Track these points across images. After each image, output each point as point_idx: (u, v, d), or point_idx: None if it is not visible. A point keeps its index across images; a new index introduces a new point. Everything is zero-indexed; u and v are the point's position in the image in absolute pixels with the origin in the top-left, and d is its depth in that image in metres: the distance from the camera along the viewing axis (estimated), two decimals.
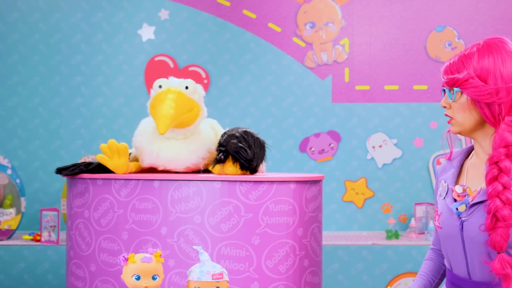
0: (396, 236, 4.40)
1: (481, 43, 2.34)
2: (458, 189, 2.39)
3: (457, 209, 2.36)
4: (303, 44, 4.80)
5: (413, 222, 4.51)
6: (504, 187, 2.26)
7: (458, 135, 2.46)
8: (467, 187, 2.39)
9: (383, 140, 4.78)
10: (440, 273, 2.62)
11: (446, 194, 2.43)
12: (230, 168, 3.20)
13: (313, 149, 4.79)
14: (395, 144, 4.78)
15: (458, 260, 2.40)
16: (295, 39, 4.80)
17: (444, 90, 2.37)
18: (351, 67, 4.78)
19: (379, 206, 4.76)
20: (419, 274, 2.61)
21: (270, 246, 3.12)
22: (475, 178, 2.41)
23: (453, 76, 2.32)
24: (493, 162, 2.28)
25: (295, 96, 4.80)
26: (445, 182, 2.45)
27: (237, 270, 3.08)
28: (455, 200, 2.39)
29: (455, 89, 2.33)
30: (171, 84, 3.25)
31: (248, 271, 3.09)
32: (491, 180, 2.27)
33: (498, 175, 2.26)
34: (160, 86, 3.24)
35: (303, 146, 4.79)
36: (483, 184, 2.36)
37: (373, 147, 4.78)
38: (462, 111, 2.34)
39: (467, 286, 2.37)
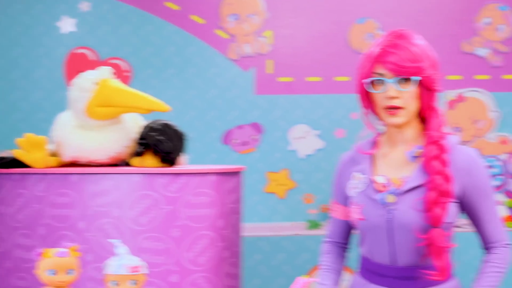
0: (317, 226, 4.45)
1: (407, 33, 2.40)
2: (381, 179, 2.43)
3: (383, 199, 2.40)
4: (226, 36, 4.81)
5: None
6: (444, 165, 2.35)
7: (376, 126, 2.50)
8: (389, 177, 2.43)
9: (306, 131, 4.83)
10: (342, 264, 2.67)
11: (365, 185, 2.46)
12: (150, 160, 3.19)
13: (235, 141, 4.80)
14: (318, 135, 4.83)
15: (382, 249, 2.44)
16: (218, 31, 4.81)
17: (382, 80, 2.37)
18: (274, 59, 4.81)
19: (301, 197, 4.80)
20: (326, 269, 2.63)
21: (190, 238, 3.13)
22: (391, 168, 2.46)
23: (415, 65, 2.35)
24: (433, 141, 2.37)
25: (218, 88, 4.81)
26: (362, 175, 2.48)
27: (157, 263, 3.07)
28: (378, 191, 2.43)
29: (413, 78, 2.35)
30: (101, 74, 3.21)
31: (168, 263, 3.10)
32: (432, 158, 2.36)
33: (439, 153, 2.36)
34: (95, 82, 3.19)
35: (226, 138, 4.81)
36: (406, 172, 2.42)
37: (295, 138, 4.82)
38: (412, 101, 2.38)
39: (390, 272, 2.43)
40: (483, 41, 4.86)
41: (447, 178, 2.35)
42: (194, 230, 3.13)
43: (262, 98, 4.82)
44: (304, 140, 4.82)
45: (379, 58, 2.37)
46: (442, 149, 2.37)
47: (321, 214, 4.77)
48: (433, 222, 2.34)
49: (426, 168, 2.37)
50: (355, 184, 2.49)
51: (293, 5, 4.84)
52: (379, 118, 2.45)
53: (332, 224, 2.68)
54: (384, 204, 2.40)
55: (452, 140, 2.43)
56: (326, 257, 2.66)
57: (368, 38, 4.82)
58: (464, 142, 4.82)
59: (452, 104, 4.85)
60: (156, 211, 3.09)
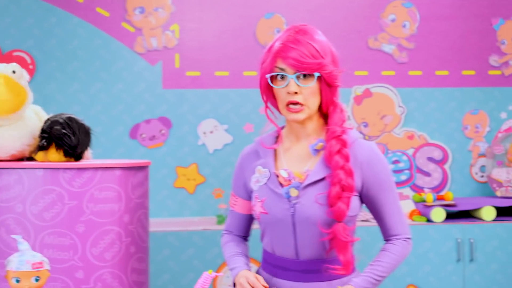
0: None
1: (309, 29, 2.43)
2: (284, 173, 2.45)
3: (287, 193, 2.41)
4: (132, 30, 4.75)
5: None
6: (345, 160, 2.39)
7: (278, 120, 2.52)
8: (291, 171, 2.45)
9: (214, 125, 4.81)
10: (246, 249, 2.68)
11: (268, 179, 2.48)
12: (54, 155, 3.13)
13: (143, 135, 4.76)
14: (226, 130, 4.82)
15: (285, 243, 2.46)
16: (124, 24, 4.74)
17: (284, 75, 2.38)
18: (181, 53, 4.78)
19: (210, 191, 4.79)
20: (232, 254, 2.63)
21: (95, 233, 3.08)
22: (293, 161, 2.49)
23: (315, 61, 2.36)
24: (334, 136, 2.41)
25: (124, 82, 4.75)
26: (263, 168, 2.50)
27: (62, 258, 3.01)
28: (282, 185, 2.44)
29: (315, 74, 2.37)
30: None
31: (72, 259, 3.04)
32: (334, 153, 2.39)
33: (340, 148, 2.39)
34: None
35: (134, 132, 4.75)
36: (308, 166, 2.45)
37: (204, 133, 4.81)
38: (313, 96, 2.40)
39: (294, 266, 2.45)
40: (389, 38, 4.94)
41: (348, 173, 2.38)
42: (99, 225, 3.08)
43: (170, 92, 4.78)
44: (213, 135, 4.81)
45: (280, 53, 2.38)
46: (343, 143, 2.41)
47: None
48: (336, 217, 2.37)
49: (329, 163, 2.40)
50: (257, 178, 2.51)
51: None
52: (281, 113, 2.48)
53: (231, 217, 2.70)
54: (288, 198, 2.42)
55: (352, 134, 2.47)
56: (228, 246, 2.66)
57: (275, 33, 4.84)
58: (371, 137, 4.89)
59: (359, 99, 4.91)
60: (60, 206, 3.02)
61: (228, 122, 4.82)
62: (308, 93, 2.40)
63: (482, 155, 5.00)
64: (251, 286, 2.41)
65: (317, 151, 2.46)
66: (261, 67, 2.47)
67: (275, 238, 2.49)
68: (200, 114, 4.80)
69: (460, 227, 4.39)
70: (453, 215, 4.65)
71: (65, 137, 3.11)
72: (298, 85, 2.38)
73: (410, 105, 4.91)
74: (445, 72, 4.98)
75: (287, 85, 2.38)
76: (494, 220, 4.47)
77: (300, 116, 2.41)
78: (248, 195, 2.59)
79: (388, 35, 4.94)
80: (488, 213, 4.45)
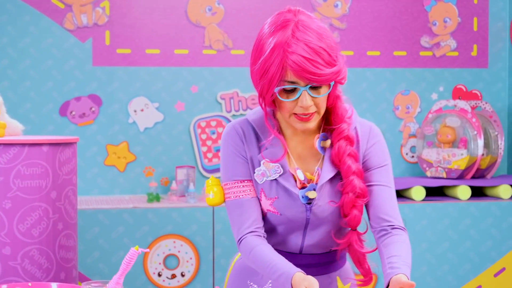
0: (157, 198, 4.43)
1: (308, 20, 2.18)
2: (301, 175, 2.28)
3: (305, 196, 2.27)
4: (62, 6, 4.67)
5: (174, 185, 4.56)
6: (355, 159, 2.26)
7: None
8: (303, 171, 2.31)
9: (145, 104, 4.78)
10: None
11: (281, 176, 2.28)
12: None
13: (73, 113, 4.70)
14: (157, 108, 4.79)
15: (291, 241, 2.35)
16: (53, 0, 4.66)
17: (294, 88, 2.15)
18: (111, 30, 4.73)
19: (141, 170, 4.76)
20: (272, 257, 2.26)
21: (22, 210, 3.04)
22: (302, 159, 2.33)
23: (332, 71, 2.15)
24: (343, 137, 2.26)
25: (54, 59, 4.68)
26: (272, 162, 2.28)
27: None
28: (297, 186, 2.29)
29: (331, 83, 2.20)
30: None
31: None
32: (347, 156, 2.24)
33: (346, 147, 2.25)
34: None
35: (63, 110, 4.69)
36: (316, 164, 2.31)
37: (135, 111, 4.77)
38: (323, 103, 2.23)
39: (294, 260, 2.30)
40: (320, 17, 4.96)
41: (360, 174, 2.26)
42: (26, 201, 3.05)
43: (100, 69, 4.73)
44: (144, 113, 4.77)
45: (291, 67, 2.12)
46: (351, 142, 2.27)
47: (161, 187, 4.75)
48: (351, 225, 2.28)
49: (338, 166, 2.26)
50: (264, 171, 2.30)
51: None
52: (285, 119, 2.27)
53: (246, 209, 2.31)
54: (305, 201, 2.28)
55: (354, 119, 2.33)
56: (262, 247, 2.27)
57: (207, 12, 4.82)
58: None
59: None
60: None
61: (159, 100, 4.79)
62: (320, 102, 2.20)
63: (412, 135, 5.07)
64: None
65: (323, 148, 2.32)
66: (262, 74, 2.18)
67: (281, 236, 2.35)
68: (130, 92, 4.76)
69: None
70: None
71: None
72: (312, 96, 2.17)
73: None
74: (377, 53, 5.03)
75: (298, 98, 2.16)
76: (423, 200, 4.54)
77: (311, 124, 2.21)
78: (251, 175, 2.35)
79: (319, 15, 4.96)
80: (417, 193, 4.52)
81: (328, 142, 2.29)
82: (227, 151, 2.33)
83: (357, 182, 2.24)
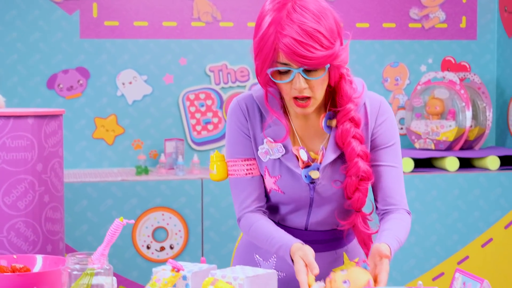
0: (146, 171, 4.43)
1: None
2: (304, 156, 2.26)
3: (308, 175, 2.26)
4: None
5: (163, 157, 4.56)
6: (360, 141, 2.23)
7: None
8: (307, 150, 2.28)
9: (133, 76, 4.76)
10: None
11: (283, 155, 2.26)
12: None
13: (61, 86, 4.68)
14: (145, 81, 4.78)
15: (298, 218, 2.34)
16: None
17: (288, 69, 2.11)
18: (99, 2, 4.70)
19: (129, 142, 4.76)
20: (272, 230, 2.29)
21: (8, 182, 3.05)
22: (306, 138, 2.30)
23: (327, 53, 2.08)
24: (349, 118, 2.22)
25: (41, 31, 4.65)
26: (274, 142, 2.26)
27: None
28: (301, 166, 2.27)
29: (326, 66, 2.13)
30: None
31: None
32: (351, 137, 2.21)
33: (351, 129, 2.21)
34: None
35: (51, 83, 4.67)
36: (321, 143, 2.28)
37: (123, 84, 4.75)
38: (321, 84, 2.16)
39: (301, 236, 2.29)
40: None
41: (365, 156, 2.23)
42: (12, 174, 3.05)
43: (88, 42, 4.70)
44: (132, 86, 4.76)
45: (283, 49, 2.07)
46: (356, 124, 2.23)
47: (150, 160, 4.75)
48: (355, 207, 2.27)
49: (343, 148, 2.22)
50: (267, 149, 2.27)
51: None
52: (286, 101, 2.24)
53: (248, 187, 2.32)
54: (308, 180, 2.26)
55: (363, 97, 2.28)
56: (261, 222, 2.29)
57: None
58: None
59: None
60: None
61: (147, 73, 4.78)
62: (315, 85, 2.14)
63: (401, 107, 5.07)
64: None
65: (329, 127, 2.26)
66: (257, 51, 2.14)
67: (286, 214, 2.34)
68: (119, 64, 4.74)
69: None
70: None
71: None
72: (305, 78, 2.12)
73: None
74: (366, 25, 5.02)
75: (292, 80, 2.12)
76: (412, 172, 4.55)
77: (309, 110, 2.17)
78: (255, 153, 2.33)
79: None
80: (406, 164, 4.53)
81: (334, 121, 2.25)
82: (231, 127, 2.32)
83: (362, 164, 2.21)
